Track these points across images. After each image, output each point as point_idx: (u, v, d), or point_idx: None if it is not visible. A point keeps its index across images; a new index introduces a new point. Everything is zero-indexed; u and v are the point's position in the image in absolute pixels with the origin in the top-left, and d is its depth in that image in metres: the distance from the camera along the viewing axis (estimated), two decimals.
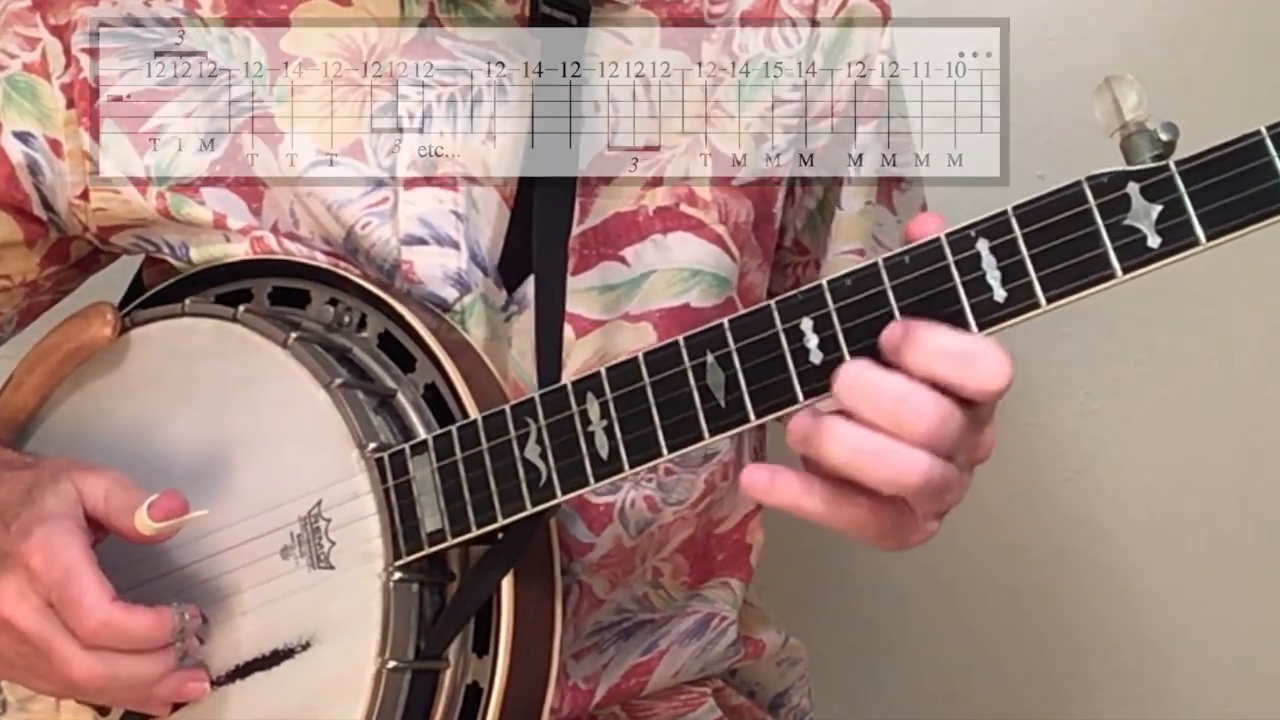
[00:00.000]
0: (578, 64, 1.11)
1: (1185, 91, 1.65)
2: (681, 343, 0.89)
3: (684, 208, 1.14)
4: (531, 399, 0.94)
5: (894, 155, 1.23)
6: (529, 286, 1.11)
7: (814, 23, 1.17)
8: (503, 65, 1.13)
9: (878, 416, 0.81)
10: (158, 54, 1.14)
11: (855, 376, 0.81)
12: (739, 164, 1.16)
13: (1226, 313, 1.56)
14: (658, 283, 1.14)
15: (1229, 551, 1.71)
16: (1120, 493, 1.70)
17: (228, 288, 1.12)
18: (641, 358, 0.90)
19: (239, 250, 1.12)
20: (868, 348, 0.83)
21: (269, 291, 1.10)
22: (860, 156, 1.19)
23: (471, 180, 1.11)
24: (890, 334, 0.82)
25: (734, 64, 1.16)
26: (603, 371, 0.91)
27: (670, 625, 1.22)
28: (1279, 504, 1.69)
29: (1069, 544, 1.66)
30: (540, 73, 1.10)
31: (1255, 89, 1.65)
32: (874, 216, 1.22)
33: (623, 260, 1.14)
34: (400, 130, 1.11)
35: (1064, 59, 1.68)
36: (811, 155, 1.20)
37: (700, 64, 1.16)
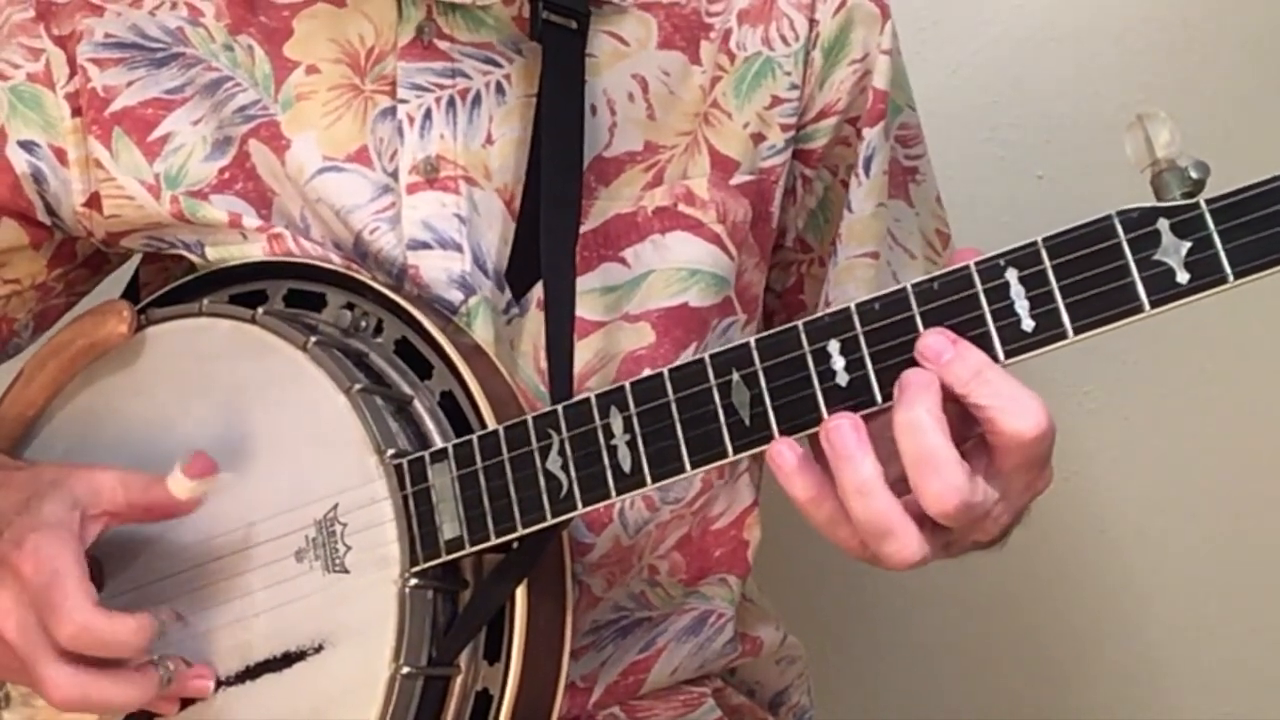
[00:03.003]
0: (577, 66, 1.11)
1: (1185, 93, 1.65)
2: (707, 360, 0.89)
3: (682, 207, 1.14)
4: (555, 411, 0.94)
5: (905, 151, 1.24)
6: (532, 290, 1.11)
7: (812, 21, 1.17)
8: (500, 67, 1.13)
9: (911, 469, 0.83)
10: (163, 63, 1.14)
11: (920, 424, 0.82)
12: (737, 163, 1.16)
13: (1226, 313, 1.56)
14: (655, 283, 1.14)
15: (1228, 551, 1.72)
16: (1120, 493, 1.71)
17: (243, 288, 1.12)
18: (666, 373, 0.90)
19: (255, 249, 1.12)
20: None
21: (284, 294, 1.11)
22: (869, 159, 1.19)
23: (472, 183, 1.11)
24: (938, 346, 0.83)
25: (732, 62, 1.16)
26: (627, 386, 0.92)
27: (667, 623, 1.22)
28: (1278, 504, 1.70)
29: (1068, 544, 1.67)
30: (540, 75, 1.10)
31: (1255, 90, 1.65)
32: (889, 215, 1.22)
33: (623, 261, 1.14)
34: (400, 134, 1.11)
35: (1064, 59, 1.68)
36: (811, 154, 1.20)
37: (698, 63, 1.16)
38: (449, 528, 0.96)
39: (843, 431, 0.84)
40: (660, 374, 0.91)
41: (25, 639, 0.95)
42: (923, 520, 0.85)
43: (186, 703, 1.02)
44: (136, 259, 1.26)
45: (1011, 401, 0.82)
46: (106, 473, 1.01)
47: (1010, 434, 0.83)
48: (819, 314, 0.87)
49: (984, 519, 0.86)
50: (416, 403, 1.03)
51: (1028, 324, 0.82)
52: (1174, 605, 1.74)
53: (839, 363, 0.86)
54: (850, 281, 1.20)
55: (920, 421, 0.82)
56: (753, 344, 0.88)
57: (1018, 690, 1.76)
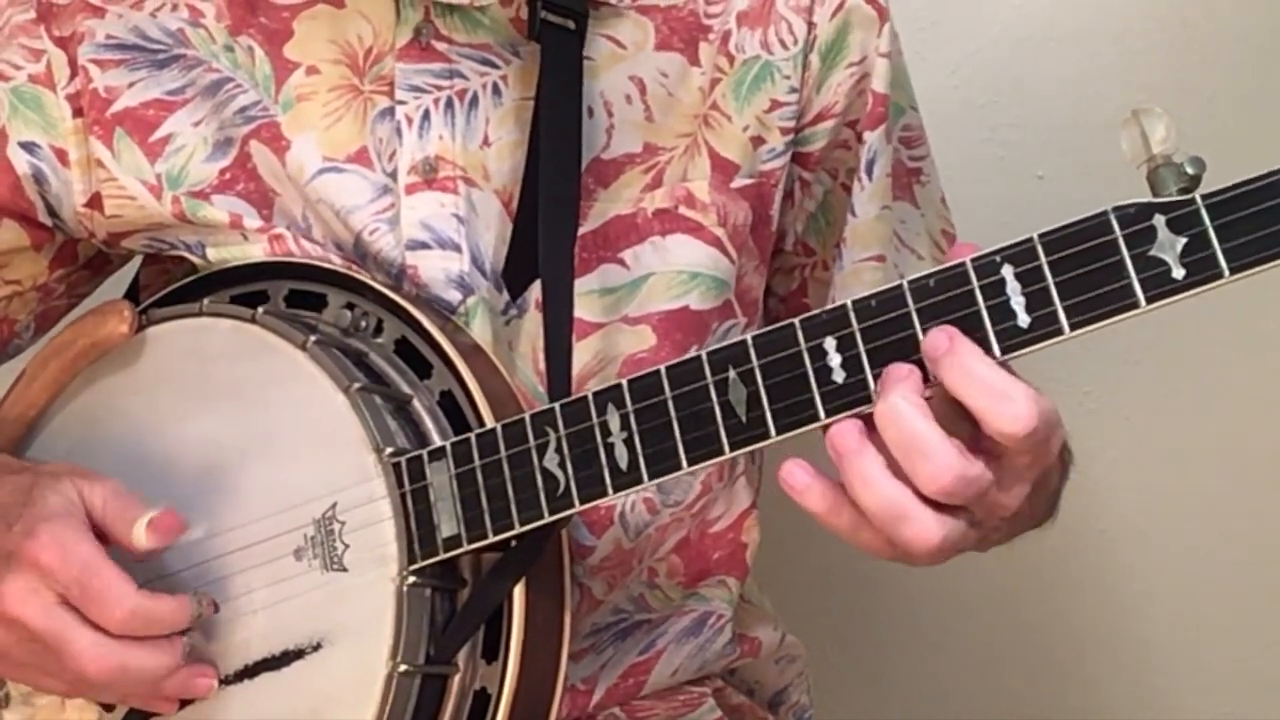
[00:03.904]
0: (575, 66, 1.11)
1: (1185, 92, 1.65)
2: (704, 357, 0.89)
3: (682, 210, 1.14)
4: (552, 409, 0.94)
5: (908, 152, 1.24)
6: (530, 291, 1.11)
7: (810, 25, 1.17)
8: (498, 68, 1.13)
9: (900, 456, 0.83)
10: (164, 64, 1.15)
11: (897, 411, 0.83)
12: (737, 166, 1.16)
13: (1226, 313, 1.56)
14: (656, 285, 1.14)
15: (1227, 552, 1.72)
16: (1120, 493, 1.71)
17: (243, 289, 1.12)
18: (663, 370, 0.91)
19: (256, 250, 1.13)
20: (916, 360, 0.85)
21: (285, 294, 1.11)
22: (870, 163, 1.19)
23: (470, 183, 1.11)
24: (937, 342, 0.83)
25: (731, 64, 1.16)
26: (624, 384, 0.92)
27: (667, 625, 1.22)
28: (1277, 504, 1.70)
29: (1068, 544, 1.67)
30: (538, 75, 1.10)
31: (1255, 90, 1.65)
32: (895, 217, 1.22)
33: (622, 263, 1.14)
34: (399, 135, 1.11)
35: (1064, 59, 1.68)
36: (809, 157, 1.20)
37: (697, 65, 1.16)
38: (447, 526, 0.97)
39: (844, 432, 0.85)
40: (657, 371, 0.91)
41: (52, 621, 0.96)
42: (938, 506, 0.85)
43: (186, 701, 1.02)
44: (137, 261, 1.26)
45: (997, 402, 0.82)
46: (100, 484, 1.01)
47: (998, 434, 0.83)
48: (815, 311, 0.87)
49: (990, 491, 0.86)
50: (415, 402, 1.03)
51: (1024, 320, 0.82)
52: (1174, 605, 1.74)
53: (835, 359, 0.86)
54: (857, 285, 1.20)
55: (896, 408, 0.83)
56: (749, 341, 0.88)
57: (1018, 690, 1.75)
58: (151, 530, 0.99)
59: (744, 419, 0.88)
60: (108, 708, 1.06)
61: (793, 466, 0.87)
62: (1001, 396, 0.82)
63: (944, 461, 0.82)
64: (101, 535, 1.00)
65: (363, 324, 1.07)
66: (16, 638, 0.98)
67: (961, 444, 0.84)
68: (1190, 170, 0.79)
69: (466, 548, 0.96)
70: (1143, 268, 0.79)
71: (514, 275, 1.11)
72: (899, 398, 0.83)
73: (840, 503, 0.86)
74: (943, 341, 0.83)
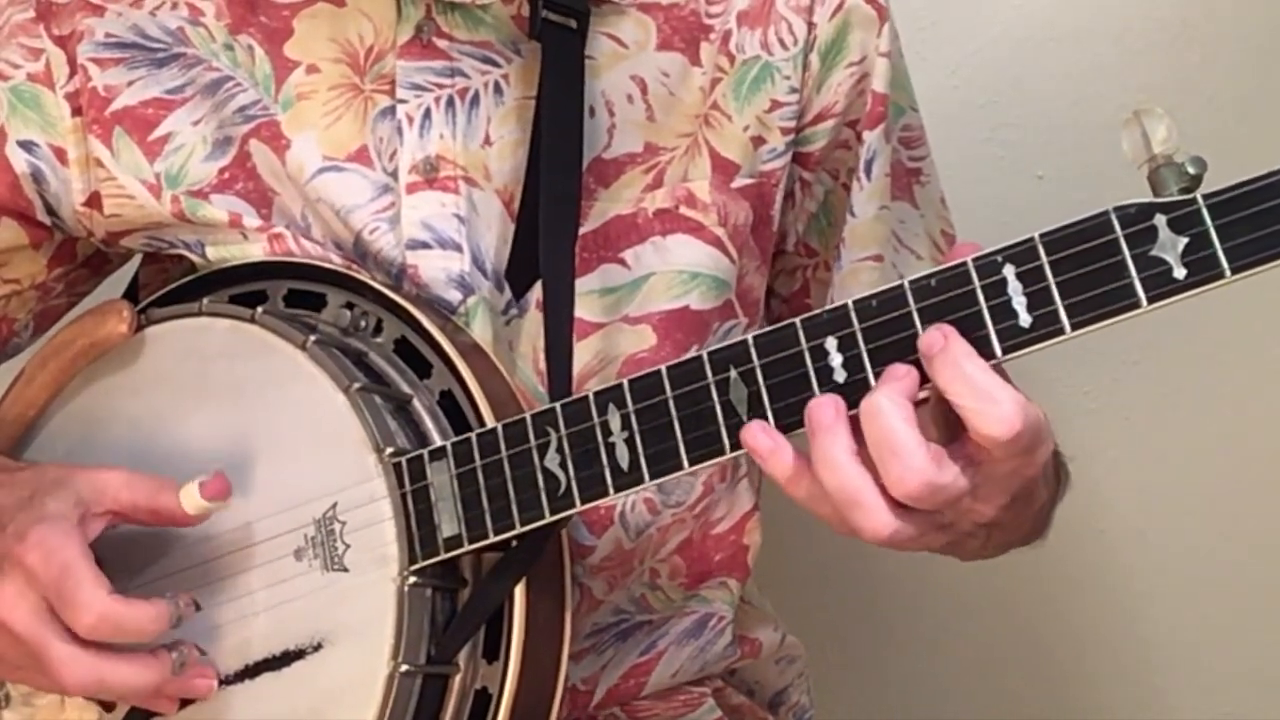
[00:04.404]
0: (576, 66, 1.11)
1: (1185, 92, 1.65)
2: (705, 357, 0.89)
3: (683, 210, 1.14)
4: (553, 409, 0.94)
5: (908, 152, 1.24)
6: (531, 291, 1.11)
7: (810, 25, 1.17)
8: (499, 67, 1.13)
9: (875, 452, 0.84)
10: (164, 63, 1.15)
11: (877, 408, 0.83)
12: (737, 166, 1.16)
13: (1226, 313, 1.57)
14: (657, 285, 1.14)
15: (1227, 552, 1.71)
16: (1119, 493, 1.71)
17: (243, 288, 1.12)
18: (664, 370, 0.90)
19: (256, 249, 1.13)
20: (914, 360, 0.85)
21: (284, 294, 1.11)
22: (869, 162, 1.19)
23: (471, 183, 1.11)
24: (931, 339, 0.83)
25: (731, 64, 1.16)
26: (625, 383, 0.92)
27: (668, 626, 1.22)
28: (1277, 504, 1.70)
29: (1067, 544, 1.67)
30: (539, 75, 1.10)
31: (1255, 90, 1.65)
32: (894, 217, 1.22)
33: (623, 263, 1.14)
34: (400, 134, 1.11)
35: (1064, 59, 1.68)
36: (809, 157, 1.20)
37: (698, 65, 1.16)
38: (447, 526, 0.97)
39: (822, 407, 0.85)
40: (658, 371, 0.91)
41: (35, 627, 0.96)
42: (899, 503, 0.85)
43: (186, 701, 1.02)
44: (136, 260, 1.26)
45: (984, 404, 0.82)
46: (113, 472, 1.01)
47: (982, 436, 0.83)
48: (817, 311, 0.87)
49: (960, 499, 0.85)
50: (416, 401, 1.03)
51: (1025, 320, 0.82)
52: (1174, 605, 1.73)
53: (836, 359, 0.86)
54: (855, 285, 1.20)
55: (877, 404, 0.83)
56: (750, 341, 0.88)
57: (1018, 690, 1.75)
58: (205, 494, 0.99)
59: (745, 419, 0.88)
60: (108, 707, 1.06)
61: (755, 429, 0.87)
62: (988, 398, 0.82)
63: (915, 464, 0.83)
64: (140, 520, 1.00)
65: (362, 324, 1.07)
66: (8, 641, 0.97)
67: (941, 450, 0.84)
68: (1191, 170, 0.78)
69: (467, 548, 0.96)
70: (1144, 267, 0.79)
71: (516, 275, 1.11)
72: (883, 396, 0.83)
73: (802, 472, 0.87)
74: (937, 340, 0.83)
